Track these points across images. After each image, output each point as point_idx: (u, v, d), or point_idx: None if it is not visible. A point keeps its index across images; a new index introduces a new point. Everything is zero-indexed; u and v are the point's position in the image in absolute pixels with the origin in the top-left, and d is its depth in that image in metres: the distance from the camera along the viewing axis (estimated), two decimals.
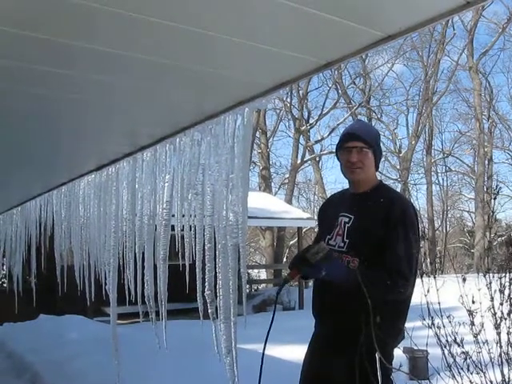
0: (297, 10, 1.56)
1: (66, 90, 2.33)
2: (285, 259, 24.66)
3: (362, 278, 2.39)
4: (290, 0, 1.52)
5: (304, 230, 20.16)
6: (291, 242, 27.42)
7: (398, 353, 2.74)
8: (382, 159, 3.19)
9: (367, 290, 2.38)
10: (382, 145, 2.90)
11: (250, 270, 17.76)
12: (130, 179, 3.26)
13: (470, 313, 2.95)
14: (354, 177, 2.71)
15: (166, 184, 2.85)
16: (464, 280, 3.03)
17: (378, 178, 2.86)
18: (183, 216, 2.76)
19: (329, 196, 3.19)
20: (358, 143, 2.65)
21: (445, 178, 32.76)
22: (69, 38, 1.78)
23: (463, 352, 2.92)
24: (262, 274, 24.09)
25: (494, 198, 3.25)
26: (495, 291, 3.11)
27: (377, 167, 2.77)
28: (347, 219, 2.67)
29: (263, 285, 19.85)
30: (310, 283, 18.28)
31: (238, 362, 2.30)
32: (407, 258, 2.50)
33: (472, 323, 2.99)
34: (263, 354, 2.47)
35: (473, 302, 2.98)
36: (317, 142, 28.42)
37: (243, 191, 2.24)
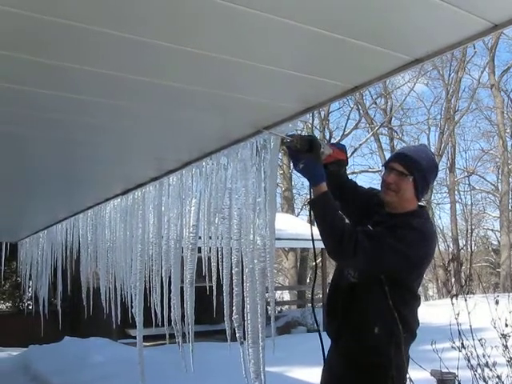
0: (324, 36, 1.57)
1: (90, 117, 2.35)
2: (308, 280, 24.47)
3: (326, 202, 2.41)
4: (316, 26, 1.53)
5: None
6: (314, 263, 27.19)
7: (425, 375, 2.69)
8: None
9: (319, 212, 2.42)
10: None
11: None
12: (157, 203, 3.29)
13: (504, 336, 2.89)
14: (386, 198, 2.62)
15: (193, 208, 2.86)
16: (497, 303, 2.97)
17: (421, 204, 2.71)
18: (210, 238, 2.76)
19: (379, 190, 2.82)
20: (399, 166, 2.56)
21: (468, 197, 32.41)
22: (93, 65, 1.80)
23: (497, 376, 2.86)
24: (286, 296, 23.91)
25: None
26: None
27: (418, 197, 2.62)
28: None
29: (286, 306, 19.68)
30: None
31: None
32: (373, 247, 2.35)
33: (505, 347, 2.93)
34: None
35: (506, 326, 2.92)
36: None
37: (270, 215, 2.24)
